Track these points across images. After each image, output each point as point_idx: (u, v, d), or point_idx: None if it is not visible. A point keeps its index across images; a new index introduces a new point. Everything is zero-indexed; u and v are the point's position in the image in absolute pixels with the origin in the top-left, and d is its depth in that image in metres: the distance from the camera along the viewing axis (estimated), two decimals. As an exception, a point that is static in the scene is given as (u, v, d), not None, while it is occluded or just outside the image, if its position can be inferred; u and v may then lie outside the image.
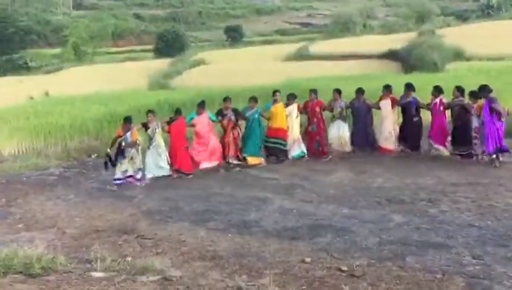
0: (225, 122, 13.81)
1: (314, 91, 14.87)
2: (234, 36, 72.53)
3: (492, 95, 12.21)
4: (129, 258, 7.04)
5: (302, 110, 14.40)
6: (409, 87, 14.15)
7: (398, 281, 6.17)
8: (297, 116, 14.20)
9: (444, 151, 13.24)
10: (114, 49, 73.10)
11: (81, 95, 29.78)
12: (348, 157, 13.81)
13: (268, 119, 14.18)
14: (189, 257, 7.34)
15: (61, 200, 11.09)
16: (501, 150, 11.98)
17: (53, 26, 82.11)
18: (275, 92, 14.55)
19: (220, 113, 13.93)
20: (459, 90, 13.13)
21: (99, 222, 9.23)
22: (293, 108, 14.20)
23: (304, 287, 6.14)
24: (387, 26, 65.64)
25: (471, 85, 19.80)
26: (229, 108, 13.89)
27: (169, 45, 61.59)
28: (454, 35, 42.79)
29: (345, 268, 6.62)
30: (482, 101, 12.15)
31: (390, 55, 39.75)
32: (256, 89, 21.51)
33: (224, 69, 38.86)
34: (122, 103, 23.00)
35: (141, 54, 65.27)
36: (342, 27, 66.69)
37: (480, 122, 12.16)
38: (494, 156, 12.03)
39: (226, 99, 14.10)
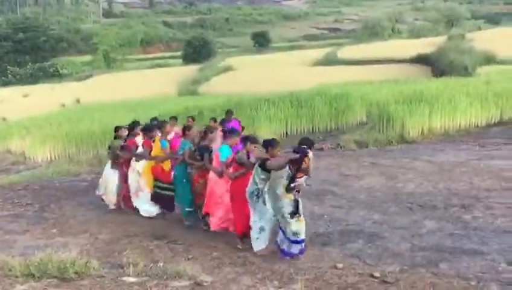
0: None
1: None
2: (261, 42, 72.83)
3: None
4: (161, 263, 7.08)
5: None
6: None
7: (431, 288, 6.08)
8: None
9: None
10: (143, 56, 74.11)
11: (112, 102, 30.27)
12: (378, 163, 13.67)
13: None
14: (220, 262, 7.35)
15: (93, 206, 11.22)
16: None
17: (83, 34, 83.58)
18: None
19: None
20: None
21: (130, 227, 9.31)
22: None
23: (336, 293, 6.10)
24: (415, 30, 65.17)
25: (503, 89, 19.67)
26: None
27: (197, 52, 62.16)
28: (485, 39, 42.25)
29: (377, 274, 6.55)
30: None
31: (420, 60, 39.44)
32: (286, 95, 21.54)
33: (252, 75, 38.99)
34: (151, 109, 23.25)
35: (170, 60, 66.00)
36: (370, 32, 66.43)
37: None
38: None
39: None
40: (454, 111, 18.34)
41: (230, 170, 8.16)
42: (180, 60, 64.09)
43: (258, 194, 7.54)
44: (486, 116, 18.83)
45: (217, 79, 42.60)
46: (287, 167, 7.16)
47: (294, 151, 7.24)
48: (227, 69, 46.83)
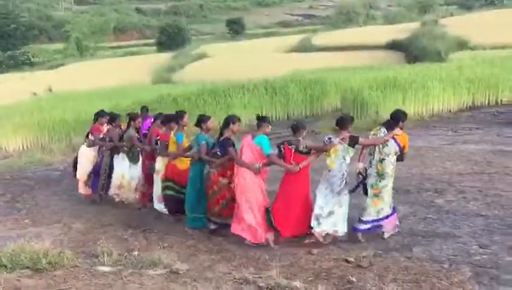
0: None
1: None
2: (236, 29, 72.43)
3: None
4: (136, 252, 7.05)
5: None
6: None
7: (405, 272, 6.16)
8: None
9: None
10: (116, 44, 73.18)
11: (85, 90, 29.85)
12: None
13: None
14: (196, 250, 7.35)
15: (67, 195, 11.10)
16: None
17: (55, 21, 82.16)
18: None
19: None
20: None
21: (105, 217, 9.24)
22: None
23: (311, 278, 6.14)
24: (389, 16, 65.47)
25: (475, 74, 19.91)
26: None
27: (171, 39, 61.60)
28: (457, 24, 42.62)
29: (351, 259, 6.61)
30: None
31: (394, 46, 39.74)
32: (261, 82, 21.49)
33: (227, 62, 38.82)
34: (125, 97, 23.03)
35: (143, 48, 65.34)
36: (345, 18, 66.54)
37: None
38: None
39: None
40: (427, 97, 18.52)
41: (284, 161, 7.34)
42: (154, 48, 63.46)
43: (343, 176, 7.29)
44: (458, 101, 19.06)
45: (192, 66, 42.34)
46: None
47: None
48: (202, 56, 46.57)
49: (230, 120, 7.80)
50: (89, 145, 10.47)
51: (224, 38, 66.87)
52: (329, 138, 7.37)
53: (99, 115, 10.62)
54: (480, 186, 9.59)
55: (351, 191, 7.43)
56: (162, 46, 60.40)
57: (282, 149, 7.41)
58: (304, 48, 45.16)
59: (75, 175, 10.72)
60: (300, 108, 20.57)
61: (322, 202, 7.33)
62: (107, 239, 7.50)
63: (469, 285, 5.65)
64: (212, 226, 7.89)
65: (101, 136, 10.32)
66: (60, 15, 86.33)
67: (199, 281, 6.09)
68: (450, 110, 18.75)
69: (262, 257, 6.91)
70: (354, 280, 5.98)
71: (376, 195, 7.40)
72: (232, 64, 37.03)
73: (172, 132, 8.72)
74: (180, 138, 8.42)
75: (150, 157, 9.29)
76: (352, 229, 7.42)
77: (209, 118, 8.24)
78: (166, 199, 8.64)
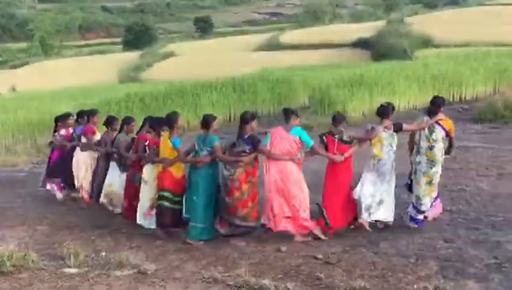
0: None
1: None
2: (204, 27, 72.24)
3: None
4: (103, 253, 6.96)
5: None
6: None
7: (372, 267, 6.22)
8: None
9: None
10: (82, 43, 72.24)
11: (49, 90, 29.42)
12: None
13: None
14: (165, 250, 7.28)
15: (32, 197, 10.88)
16: None
17: (18, 20, 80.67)
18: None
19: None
20: None
21: (71, 218, 9.08)
22: None
23: (280, 276, 6.15)
24: (356, 14, 66.21)
25: (439, 71, 20.24)
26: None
27: (138, 37, 61.12)
28: (422, 23, 43.33)
29: (320, 256, 6.64)
30: None
31: (360, 44, 40.20)
32: (228, 80, 21.46)
33: (195, 61, 38.72)
34: (91, 97, 22.73)
35: (110, 46, 64.64)
36: (312, 16, 67.01)
37: None
38: None
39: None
40: (393, 94, 18.73)
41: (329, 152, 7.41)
42: (121, 46, 62.84)
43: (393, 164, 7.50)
44: (424, 98, 19.29)
45: (159, 65, 42.10)
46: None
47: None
48: (170, 55, 46.36)
49: (250, 117, 7.47)
50: (83, 149, 9.67)
51: (192, 36, 66.70)
52: (372, 127, 7.53)
53: (92, 113, 9.82)
54: (445, 181, 9.72)
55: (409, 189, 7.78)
56: (129, 44, 59.90)
57: (325, 140, 7.48)
58: (272, 46, 45.35)
59: (43, 184, 10.47)
60: (269, 106, 20.57)
61: (372, 191, 7.42)
62: (74, 240, 7.39)
63: (435, 279, 5.73)
64: (224, 231, 7.46)
65: (96, 138, 9.57)
66: (23, 13, 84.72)
67: (168, 281, 6.05)
68: (415, 107, 19.00)
69: (231, 255, 6.90)
70: (322, 276, 6.01)
71: (429, 183, 7.53)
72: (200, 63, 36.95)
73: (161, 137, 7.92)
74: (178, 142, 7.58)
75: (136, 167, 8.31)
76: (410, 219, 7.57)
77: (215, 118, 7.71)
78: (160, 211, 7.70)
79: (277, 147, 7.32)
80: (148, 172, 7.98)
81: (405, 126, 7.57)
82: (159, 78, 33.48)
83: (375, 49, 37.12)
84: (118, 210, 8.85)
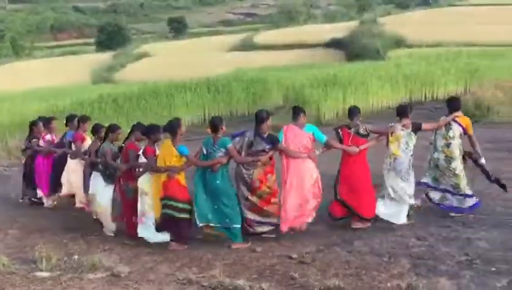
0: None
1: None
2: (178, 28, 71.83)
3: None
4: (75, 256, 6.88)
5: None
6: None
7: (346, 266, 6.26)
8: None
9: None
10: (54, 44, 71.24)
11: (21, 91, 28.92)
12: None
13: None
14: (138, 252, 7.23)
15: (2, 200, 10.71)
16: None
17: (-12, 20, 79.07)
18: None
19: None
20: None
21: (43, 221, 8.97)
22: None
23: (255, 276, 6.14)
24: (329, 15, 66.61)
25: (411, 71, 20.49)
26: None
27: (111, 38, 60.46)
28: (395, 23, 43.77)
29: (294, 256, 6.66)
30: None
31: (334, 44, 40.45)
32: (203, 81, 21.40)
33: (169, 62, 38.51)
34: (64, 98, 22.36)
35: (83, 47, 63.83)
36: (286, 17, 67.16)
37: None
38: None
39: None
40: (366, 94, 18.93)
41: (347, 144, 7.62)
42: (94, 47, 62.17)
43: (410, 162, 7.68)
44: (396, 98, 19.51)
45: (133, 66, 41.77)
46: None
47: None
48: (143, 55, 46.03)
49: (265, 115, 7.45)
50: (72, 157, 9.24)
51: (166, 37, 66.29)
52: (391, 125, 7.75)
53: (82, 120, 9.33)
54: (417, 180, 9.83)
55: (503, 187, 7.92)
56: (102, 45, 59.23)
57: (340, 133, 7.67)
58: (246, 46, 45.36)
59: (31, 196, 10.09)
60: (243, 106, 20.58)
61: (391, 187, 7.65)
62: (45, 244, 7.27)
63: (408, 277, 5.78)
64: (260, 229, 7.45)
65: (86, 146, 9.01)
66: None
67: (141, 284, 6.01)
68: (388, 107, 19.18)
69: (205, 256, 6.88)
70: (296, 276, 6.02)
71: (454, 175, 7.76)
72: (174, 64, 36.75)
73: (158, 145, 7.64)
74: (185, 149, 7.26)
75: (127, 177, 7.82)
76: (462, 208, 7.78)
77: (222, 120, 7.45)
78: (164, 220, 7.30)
79: (292, 144, 7.41)
80: (146, 182, 7.53)
81: (424, 125, 7.79)
82: (133, 79, 33.18)
83: (349, 49, 37.40)
84: (109, 228, 8.17)
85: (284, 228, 7.38)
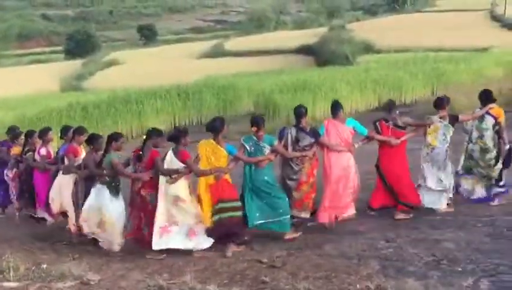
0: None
1: None
2: (147, 35, 71.47)
3: None
4: (44, 265, 6.78)
5: None
6: None
7: (316, 269, 6.30)
8: None
9: None
10: (21, 52, 70.09)
11: (-13, 101, 28.43)
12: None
13: None
14: (109, 259, 7.17)
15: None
16: None
17: (-47, 28, 77.59)
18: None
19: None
20: None
21: (10, 230, 8.84)
22: None
23: (226, 281, 6.15)
24: (299, 21, 67.10)
25: (380, 76, 20.80)
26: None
27: (80, 46, 59.86)
28: (363, 29, 44.38)
29: (265, 260, 6.68)
30: None
31: (304, 50, 40.79)
32: (173, 88, 21.36)
33: (139, 69, 38.29)
34: (32, 107, 22.14)
35: (51, 55, 63.12)
36: (256, 23, 67.45)
37: None
38: None
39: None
40: (336, 98, 19.09)
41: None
42: (62, 55, 61.45)
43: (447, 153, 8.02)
44: (365, 102, 19.80)
45: (102, 74, 41.42)
46: None
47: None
48: (113, 63, 45.69)
49: (304, 110, 7.87)
50: (65, 172, 8.26)
51: (136, 44, 65.86)
52: (428, 117, 8.07)
53: (78, 132, 8.39)
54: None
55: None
56: (71, 53, 58.67)
57: (378, 126, 8.00)
58: (217, 53, 45.41)
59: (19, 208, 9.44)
60: (214, 113, 20.47)
61: (429, 177, 8.00)
62: (13, 254, 7.14)
63: (376, 278, 5.85)
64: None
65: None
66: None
67: (112, 291, 5.97)
68: (358, 111, 19.43)
69: (176, 263, 6.86)
70: (267, 280, 6.05)
71: (488, 166, 8.11)
72: (144, 71, 36.57)
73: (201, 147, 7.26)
74: (232, 147, 7.29)
75: (149, 186, 7.30)
76: (488, 197, 8.20)
77: (264, 118, 7.71)
78: (221, 225, 7.07)
79: (333, 138, 7.82)
80: (183, 188, 7.12)
81: (461, 117, 8.14)
82: (102, 87, 32.92)
83: (318, 55, 37.76)
84: (115, 244, 7.52)
85: (324, 219, 7.75)
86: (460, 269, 5.99)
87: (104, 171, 7.55)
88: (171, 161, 7.14)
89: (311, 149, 7.70)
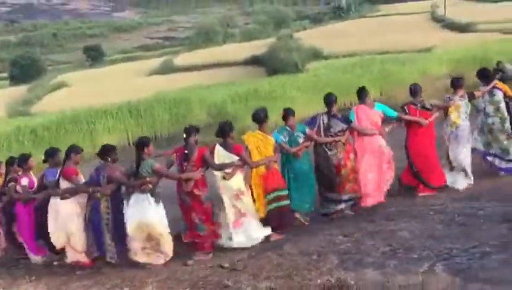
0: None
1: None
2: (94, 56, 70.38)
3: None
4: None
5: None
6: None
7: (278, 268, 6.35)
8: None
9: None
10: (-37, 80, 67.98)
11: None
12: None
13: None
14: (67, 279, 7.04)
15: None
16: None
17: None
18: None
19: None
20: None
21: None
22: None
23: (188, 289, 6.14)
24: (247, 33, 67.39)
25: (329, 80, 21.14)
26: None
27: (25, 71, 58.25)
28: (310, 37, 45.08)
29: (226, 265, 6.69)
30: None
31: (254, 61, 41.13)
32: (124, 105, 21.18)
33: (88, 90, 37.72)
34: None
35: (-5, 82, 61.31)
36: (204, 38, 67.40)
37: None
38: None
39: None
40: (289, 104, 19.28)
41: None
42: (7, 82, 59.94)
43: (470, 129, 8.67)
44: (316, 106, 20.02)
45: (50, 97, 40.55)
46: None
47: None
48: (61, 86, 44.82)
49: (335, 98, 8.13)
50: (66, 197, 7.41)
51: (83, 66, 64.79)
52: (449, 97, 8.54)
53: (75, 151, 7.56)
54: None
55: None
56: (16, 79, 57.04)
57: (407, 109, 8.37)
58: (166, 69, 45.22)
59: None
60: (167, 127, 20.57)
61: (453, 155, 8.45)
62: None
63: (336, 272, 5.95)
64: (340, 206, 8.04)
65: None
66: None
67: (72, 309, 5.86)
68: (309, 115, 19.64)
69: (138, 275, 6.79)
70: (229, 283, 6.07)
71: (509, 137, 8.69)
72: (93, 92, 36.00)
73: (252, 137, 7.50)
74: (278, 136, 7.77)
75: (201, 184, 7.12)
76: (497, 170, 8.82)
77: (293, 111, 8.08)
78: (274, 214, 7.39)
79: (364, 123, 8.14)
80: (242, 181, 7.28)
81: (476, 93, 8.68)
82: (51, 110, 32.08)
83: (268, 65, 38.10)
84: (162, 258, 7.08)
85: (368, 202, 8.14)
86: (416, 256, 6.13)
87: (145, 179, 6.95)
88: (222, 156, 7.23)
89: (343, 135, 7.99)
